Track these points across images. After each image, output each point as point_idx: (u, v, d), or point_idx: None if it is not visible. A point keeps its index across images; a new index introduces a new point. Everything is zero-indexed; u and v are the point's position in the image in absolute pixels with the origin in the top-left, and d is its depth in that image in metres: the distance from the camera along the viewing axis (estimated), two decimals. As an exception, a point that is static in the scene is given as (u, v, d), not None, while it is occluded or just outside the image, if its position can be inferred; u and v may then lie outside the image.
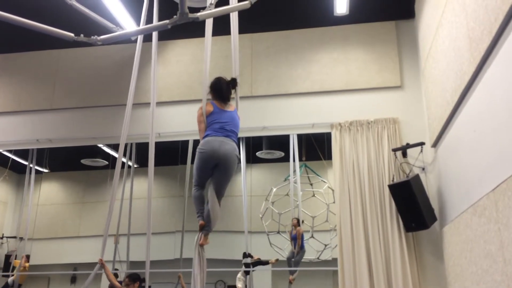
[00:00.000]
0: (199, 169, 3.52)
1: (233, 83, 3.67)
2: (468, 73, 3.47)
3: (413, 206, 4.87)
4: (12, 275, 7.62)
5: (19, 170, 8.76)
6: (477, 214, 3.49)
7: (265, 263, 7.53)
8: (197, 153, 3.51)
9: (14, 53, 7.05)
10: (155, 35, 4.85)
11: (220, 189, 3.52)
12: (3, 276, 8.52)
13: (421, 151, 5.29)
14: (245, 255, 7.48)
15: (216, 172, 3.49)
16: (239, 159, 3.57)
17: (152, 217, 4.57)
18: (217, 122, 3.53)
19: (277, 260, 7.58)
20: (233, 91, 3.71)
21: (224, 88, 3.63)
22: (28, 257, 8.07)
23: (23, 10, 3.49)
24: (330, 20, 6.01)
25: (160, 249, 7.67)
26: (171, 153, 7.74)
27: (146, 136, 5.25)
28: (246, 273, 7.32)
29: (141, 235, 6.16)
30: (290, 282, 7.19)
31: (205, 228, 3.51)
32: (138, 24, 4.49)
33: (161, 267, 7.48)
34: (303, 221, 7.52)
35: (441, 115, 4.47)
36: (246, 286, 7.27)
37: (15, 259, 8.28)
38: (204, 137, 3.51)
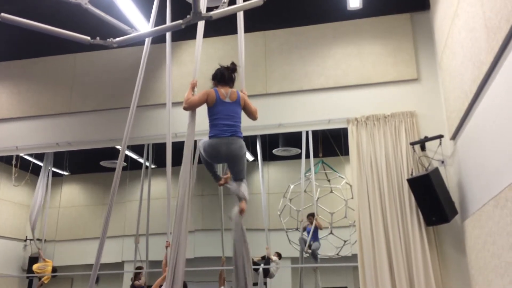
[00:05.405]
0: (206, 164, 3.74)
1: (232, 67, 3.72)
2: (486, 63, 3.41)
3: (433, 199, 4.81)
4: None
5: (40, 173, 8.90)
6: (499, 206, 3.44)
7: (267, 261, 7.45)
8: (201, 153, 3.60)
9: (31, 59, 7.18)
10: (168, 35, 4.88)
11: (237, 175, 3.60)
12: (28, 277, 8.71)
13: (440, 144, 5.22)
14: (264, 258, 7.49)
15: (228, 165, 3.62)
16: (246, 149, 3.65)
17: (171, 216, 4.60)
18: (220, 117, 3.50)
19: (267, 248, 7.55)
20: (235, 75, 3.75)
21: (225, 72, 3.68)
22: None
23: (39, 16, 3.55)
24: (343, 14, 5.96)
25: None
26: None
27: (163, 136, 5.31)
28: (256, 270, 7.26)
29: (160, 235, 6.22)
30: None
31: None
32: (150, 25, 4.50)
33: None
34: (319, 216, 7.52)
35: (460, 107, 4.41)
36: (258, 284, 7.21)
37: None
38: (209, 137, 3.53)
